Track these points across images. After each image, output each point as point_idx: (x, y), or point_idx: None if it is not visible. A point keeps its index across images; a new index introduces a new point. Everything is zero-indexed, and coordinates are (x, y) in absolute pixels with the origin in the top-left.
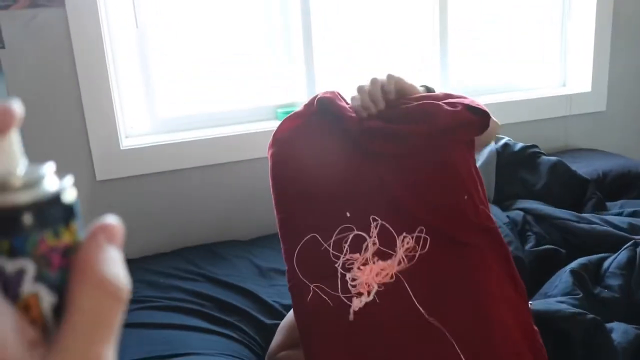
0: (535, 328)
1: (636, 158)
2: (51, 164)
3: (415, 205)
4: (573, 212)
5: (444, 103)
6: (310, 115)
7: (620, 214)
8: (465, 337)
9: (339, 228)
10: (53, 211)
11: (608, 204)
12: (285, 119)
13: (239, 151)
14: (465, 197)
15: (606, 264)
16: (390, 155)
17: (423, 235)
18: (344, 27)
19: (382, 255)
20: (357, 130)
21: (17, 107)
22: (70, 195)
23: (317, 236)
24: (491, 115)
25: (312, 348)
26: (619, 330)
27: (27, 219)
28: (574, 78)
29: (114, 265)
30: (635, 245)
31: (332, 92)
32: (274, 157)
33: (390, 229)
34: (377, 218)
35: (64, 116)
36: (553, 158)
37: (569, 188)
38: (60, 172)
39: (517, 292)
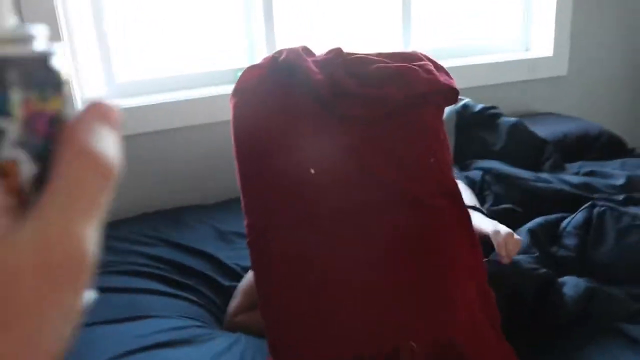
0: (492, 292)
1: (596, 122)
2: (44, 27)
3: (384, 168)
4: (531, 172)
5: (419, 67)
6: (272, 69)
7: (576, 174)
8: (422, 291)
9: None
10: (41, 73)
11: (568, 165)
12: (246, 69)
13: (198, 115)
14: (432, 160)
15: (564, 223)
16: (361, 119)
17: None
18: None
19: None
20: (329, 93)
21: None
22: (60, 62)
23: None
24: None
25: (269, 303)
26: (570, 284)
27: (12, 74)
28: (537, 42)
29: (104, 141)
30: (593, 206)
31: (296, 51)
32: (236, 107)
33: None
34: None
35: None
36: (513, 119)
37: (528, 149)
38: None
39: (474, 254)
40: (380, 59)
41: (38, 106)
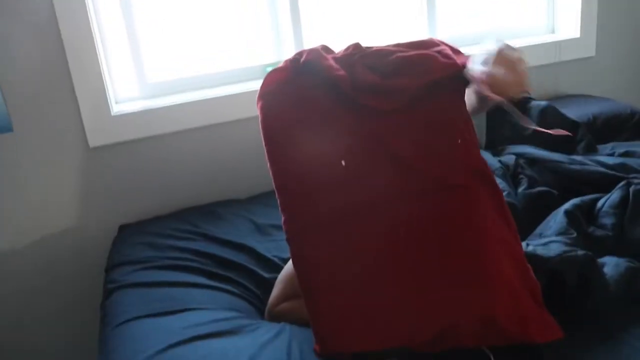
0: (529, 265)
1: (625, 102)
2: None
3: (413, 157)
4: (565, 155)
5: (437, 53)
6: (295, 70)
7: (612, 155)
8: (459, 272)
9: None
10: None
11: (599, 146)
12: (269, 73)
13: (230, 111)
14: (459, 140)
15: (599, 203)
16: (385, 109)
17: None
18: None
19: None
20: (350, 88)
21: None
22: None
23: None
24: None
25: (312, 297)
26: (610, 264)
27: None
28: (563, 24)
29: None
30: (628, 184)
31: (316, 50)
32: (263, 109)
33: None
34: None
35: (52, 84)
36: (543, 102)
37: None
38: (53, 141)
39: (510, 232)
40: (397, 49)
41: None
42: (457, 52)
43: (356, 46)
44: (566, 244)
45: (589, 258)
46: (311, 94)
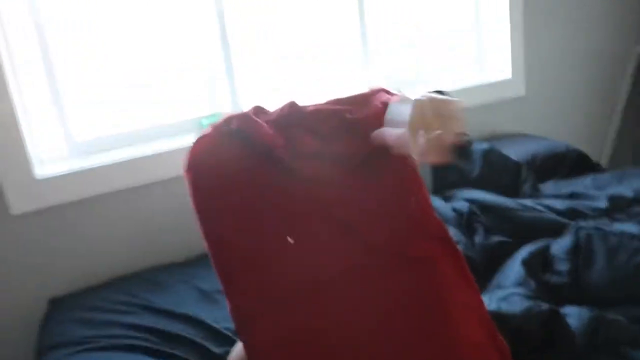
0: (495, 327)
1: (559, 139)
2: None
3: (366, 228)
4: (517, 200)
5: (381, 104)
6: (224, 136)
7: (558, 196)
8: (425, 350)
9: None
10: None
11: (540, 185)
12: (196, 141)
13: (165, 169)
14: (413, 199)
15: (553, 249)
16: (329, 178)
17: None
18: (261, 30)
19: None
20: (289, 158)
21: None
22: None
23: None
24: None
25: None
26: (573, 315)
27: None
28: (493, 66)
29: None
30: (578, 229)
31: (247, 116)
32: (193, 183)
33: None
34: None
35: None
36: (485, 145)
37: (504, 173)
38: None
39: (474, 295)
40: (337, 107)
41: None
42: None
43: (292, 105)
44: (528, 297)
45: (553, 312)
46: (246, 165)
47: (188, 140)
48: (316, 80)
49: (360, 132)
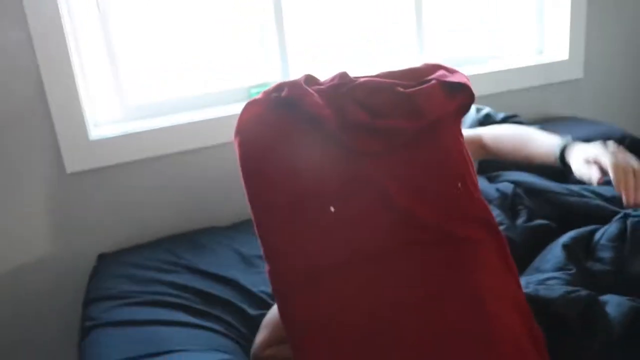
0: (531, 314)
1: (615, 125)
2: None
3: (409, 203)
4: (563, 185)
5: (431, 86)
6: (274, 104)
7: (607, 183)
8: (464, 335)
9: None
10: None
11: None
12: (246, 106)
13: (214, 135)
14: (459, 184)
15: (597, 236)
16: (376, 152)
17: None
18: (315, 2)
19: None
20: (337, 129)
21: None
22: None
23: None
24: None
25: (305, 356)
26: (612, 303)
27: None
28: (551, 46)
29: None
30: (625, 217)
31: (298, 85)
32: (241, 147)
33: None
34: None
35: (27, 108)
36: (536, 126)
37: None
38: (28, 166)
39: (514, 282)
40: (390, 81)
41: None
42: (454, 72)
43: (342, 75)
44: (567, 282)
45: (592, 298)
46: (294, 131)
47: (237, 108)
48: (369, 60)
49: (413, 108)
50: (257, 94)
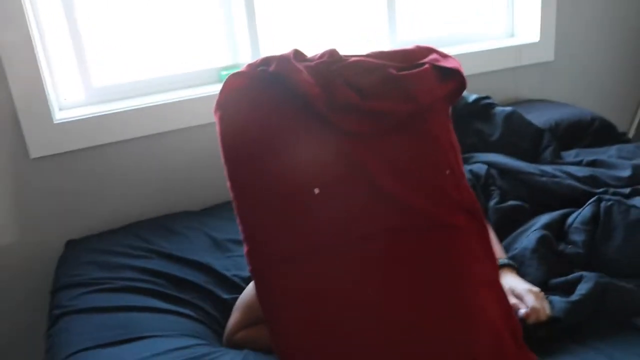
0: (509, 302)
1: (585, 107)
2: None
3: (396, 188)
4: (536, 165)
5: (423, 71)
6: (260, 77)
7: (578, 163)
8: (445, 321)
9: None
10: None
11: (563, 153)
12: (229, 78)
13: (182, 118)
14: (448, 171)
15: (570, 219)
16: (365, 134)
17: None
18: None
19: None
20: (325, 108)
21: None
22: None
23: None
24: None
25: (280, 337)
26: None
27: None
28: (522, 29)
29: None
30: (599, 200)
31: (286, 59)
32: (222, 121)
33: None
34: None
35: None
36: (507, 108)
37: (525, 138)
38: None
39: (494, 270)
40: (381, 62)
41: None
42: (446, 56)
43: (332, 53)
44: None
45: None
46: (279, 109)
47: (206, 90)
48: (339, 43)
49: (404, 91)
50: (226, 76)
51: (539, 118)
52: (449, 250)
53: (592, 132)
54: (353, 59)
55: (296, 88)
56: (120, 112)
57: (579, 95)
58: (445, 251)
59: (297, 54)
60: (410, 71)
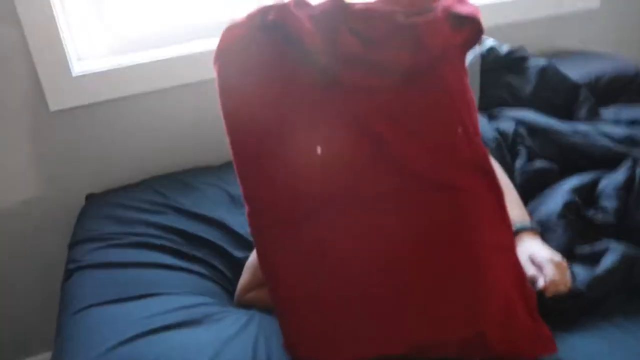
0: (524, 272)
1: (630, 58)
2: None
3: (403, 146)
4: (569, 123)
5: (441, 9)
6: (259, 27)
7: (616, 122)
8: (449, 286)
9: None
10: None
11: (602, 110)
12: (227, 29)
13: (205, 69)
14: (459, 129)
15: (602, 184)
16: (370, 87)
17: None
18: None
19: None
20: (328, 60)
21: None
22: None
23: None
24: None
25: (280, 302)
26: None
27: None
28: None
29: None
30: (635, 163)
31: (286, 8)
32: (221, 74)
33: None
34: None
35: (3, 43)
36: (542, 61)
37: (559, 93)
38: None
39: (507, 236)
40: (389, 9)
41: None
42: (465, 3)
43: (336, 1)
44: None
45: None
46: (279, 61)
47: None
48: None
49: (414, 39)
50: None
51: (578, 71)
52: (458, 213)
53: (634, 87)
54: (359, 6)
55: (296, 39)
56: (143, 63)
57: (626, 48)
58: (455, 214)
59: (299, 2)
60: (421, 18)
